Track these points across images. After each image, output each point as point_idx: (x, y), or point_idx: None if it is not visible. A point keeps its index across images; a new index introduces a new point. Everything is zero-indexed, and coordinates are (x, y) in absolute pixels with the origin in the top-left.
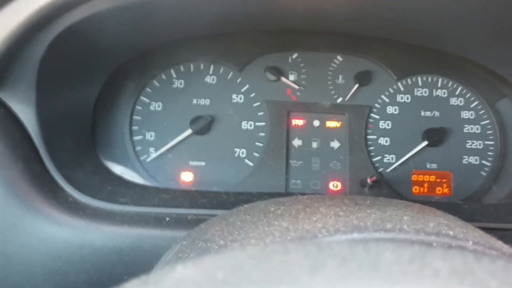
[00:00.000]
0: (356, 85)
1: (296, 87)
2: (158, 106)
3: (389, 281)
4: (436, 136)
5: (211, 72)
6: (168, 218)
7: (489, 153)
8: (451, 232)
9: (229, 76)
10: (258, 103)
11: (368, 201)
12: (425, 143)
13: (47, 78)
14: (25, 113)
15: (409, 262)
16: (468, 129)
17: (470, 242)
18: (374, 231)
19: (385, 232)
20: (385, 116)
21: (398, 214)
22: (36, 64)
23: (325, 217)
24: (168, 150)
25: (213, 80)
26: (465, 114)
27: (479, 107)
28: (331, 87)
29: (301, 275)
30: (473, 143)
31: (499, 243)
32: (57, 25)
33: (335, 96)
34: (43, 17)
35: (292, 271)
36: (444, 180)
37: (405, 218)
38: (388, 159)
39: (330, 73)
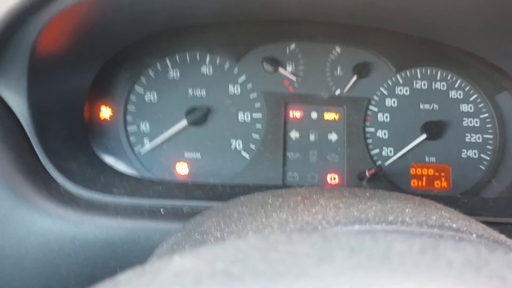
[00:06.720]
0: (355, 77)
1: (294, 78)
2: (153, 97)
3: (402, 272)
4: (435, 129)
5: (207, 62)
6: (163, 210)
7: (488, 146)
8: (454, 225)
9: (226, 67)
10: (255, 94)
11: (368, 194)
12: (424, 136)
13: (39, 65)
14: (17, 101)
15: (420, 252)
16: (467, 123)
17: (474, 235)
18: (376, 223)
19: (387, 224)
20: (384, 109)
21: (399, 207)
22: (28, 50)
23: (324, 209)
24: (163, 142)
25: (209, 70)
26: (464, 107)
27: (478, 100)
28: (329, 78)
29: (309, 266)
30: (472, 136)
31: (502, 237)
32: (49, 10)
33: (333, 88)
34: (35, 1)
35: (299, 262)
36: (443, 174)
37: (407, 210)
38: (387, 152)
39: (329, 64)
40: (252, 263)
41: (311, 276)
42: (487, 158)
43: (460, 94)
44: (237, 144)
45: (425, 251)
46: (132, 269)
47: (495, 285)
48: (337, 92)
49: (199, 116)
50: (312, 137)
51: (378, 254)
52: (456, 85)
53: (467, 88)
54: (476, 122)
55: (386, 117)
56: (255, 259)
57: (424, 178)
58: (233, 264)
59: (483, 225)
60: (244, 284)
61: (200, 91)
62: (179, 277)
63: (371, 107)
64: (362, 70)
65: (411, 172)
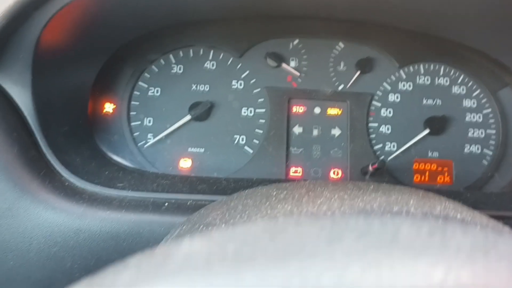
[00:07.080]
0: (358, 72)
1: (297, 73)
2: (157, 92)
3: (411, 253)
4: (438, 124)
5: (210, 57)
6: (166, 204)
7: (491, 142)
8: (458, 216)
9: (229, 62)
10: (258, 90)
11: (372, 186)
12: (426, 131)
13: (43, 59)
14: (21, 95)
15: (429, 235)
16: (470, 118)
17: (479, 226)
18: (381, 214)
19: (392, 215)
20: (387, 104)
21: (403, 198)
22: (32, 44)
23: (329, 200)
24: (167, 136)
25: (212, 65)
26: (467, 103)
27: (481, 95)
28: (332, 74)
29: (319, 247)
30: (474, 131)
31: (507, 228)
32: (53, 5)
33: (337, 83)
34: None
35: (309, 243)
36: (446, 169)
37: (411, 201)
38: (390, 147)
39: (332, 59)
40: (262, 245)
41: (322, 257)
42: (490, 153)
43: (463, 90)
44: (240, 139)
45: (433, 234)
46: (142, 252)
47: (504, 266)
48: (340, 87)
49: (203, 111)
50: (315, 132)
51: (387, 237)
52: (459, 81)
53: (470, 83)
54: (479, 117)
55: (389, 112)
56: (265, 240)
57: (427, 173)
58: (243, 246)
59: (487, 217)
60: (255, 264)
61: (204, 86)
62: (190, 259)
63: (374, 102)
64: (365, 65)
65: (414, 167)
